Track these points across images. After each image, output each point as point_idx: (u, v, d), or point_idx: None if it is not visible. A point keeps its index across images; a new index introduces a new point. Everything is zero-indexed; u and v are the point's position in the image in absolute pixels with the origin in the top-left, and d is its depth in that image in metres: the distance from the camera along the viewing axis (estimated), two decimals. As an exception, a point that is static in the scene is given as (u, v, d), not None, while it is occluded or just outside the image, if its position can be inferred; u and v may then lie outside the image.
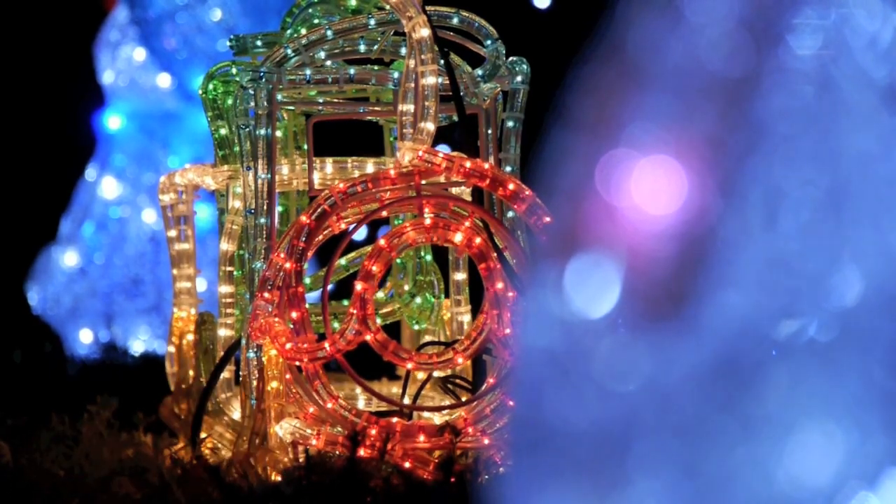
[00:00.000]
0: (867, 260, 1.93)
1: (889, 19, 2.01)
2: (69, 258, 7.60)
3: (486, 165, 3.41)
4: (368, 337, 3.32)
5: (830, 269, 1.93)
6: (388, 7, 3.49)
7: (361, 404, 3.99)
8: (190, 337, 4.07)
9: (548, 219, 3.36)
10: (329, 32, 3.54)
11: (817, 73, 1.97)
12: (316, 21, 4.05)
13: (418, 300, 4.14)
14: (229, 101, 3.88)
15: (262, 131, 3.53)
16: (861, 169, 1.96)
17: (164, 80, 7.61)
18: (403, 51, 3.57)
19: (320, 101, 3.84)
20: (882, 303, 1.92)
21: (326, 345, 3.31)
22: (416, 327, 4.18)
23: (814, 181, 1.95)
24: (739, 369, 1.91)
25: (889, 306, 1.92)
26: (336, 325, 3.98)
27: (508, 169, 3.56)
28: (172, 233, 4.19)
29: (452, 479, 3.09)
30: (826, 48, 1.99)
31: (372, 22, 3.52)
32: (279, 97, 3.57)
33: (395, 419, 3.32)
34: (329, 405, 3.32)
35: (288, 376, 3.36)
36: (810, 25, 1.99)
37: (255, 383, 3.42)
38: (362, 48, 3.58)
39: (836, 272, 1.93)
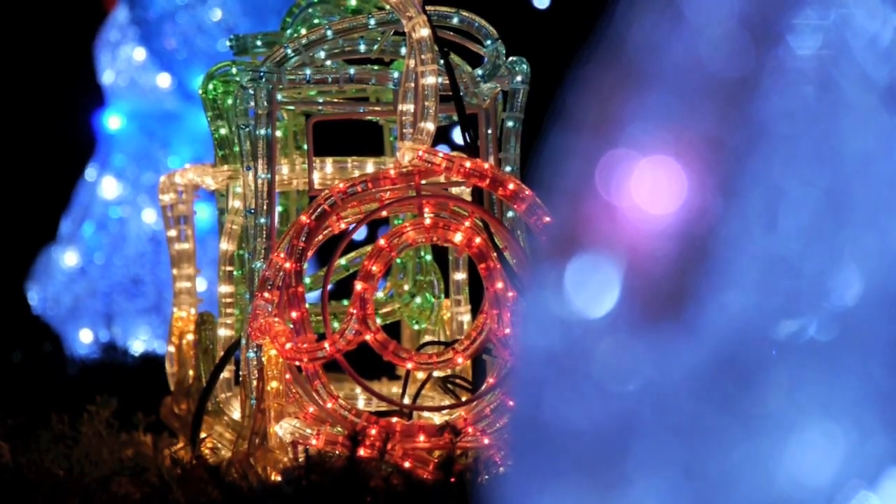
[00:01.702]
0: (867, 260, 1.93)
1: (889, 19, 2.01)
2: (69, 258, 7.60)
3: (486, 165, 3.41)
4: (368, 337, 3.32)
5: (830, 269, 1.93)
6: (388, 7, 3.49)
7: (361, 404, 3.99)
8: (190, 337, 4.07)
9: (548, 219, 3.36)
10: (329, 32, 3.53)
11: (817, 73, 1.97)
12: (316, 21, 4.05)
13: (418, 300, 4.13)
14: (229, 101, 3.88)
15: (262, 131, 3.53)
16: (861, 169, 1.96)
17: (164, 80, 7.61)
18: (403, 51, 3.56)
19: (320, 101, 3.84)
20: (882, 303, 1.92)
21: (326, 345, 3.31)
22: (416, 327, 4.18)
23: (814, 181, 1.95)
24: (739, 369, 1.91)
25: (889, 306, 1.92)
26: (336, 325, 3.99)
27: (508, 169, 3.56)
28: (172, 233, 4.19)
29: (452, 479, 3.09)
30: (826, 48, 1.99)
31: (372, 22, 3.52)
32: (279, 97, 3.57)
33: (395, 419, 3.32)
34: (329, 405, 3.32)
35: (288, 376, 3.36)
36: (810, 25, 1.99)
37: (255, 383, 3.42)
38: (362, 48, 3.58)
39: (836, 272, 1.93)
